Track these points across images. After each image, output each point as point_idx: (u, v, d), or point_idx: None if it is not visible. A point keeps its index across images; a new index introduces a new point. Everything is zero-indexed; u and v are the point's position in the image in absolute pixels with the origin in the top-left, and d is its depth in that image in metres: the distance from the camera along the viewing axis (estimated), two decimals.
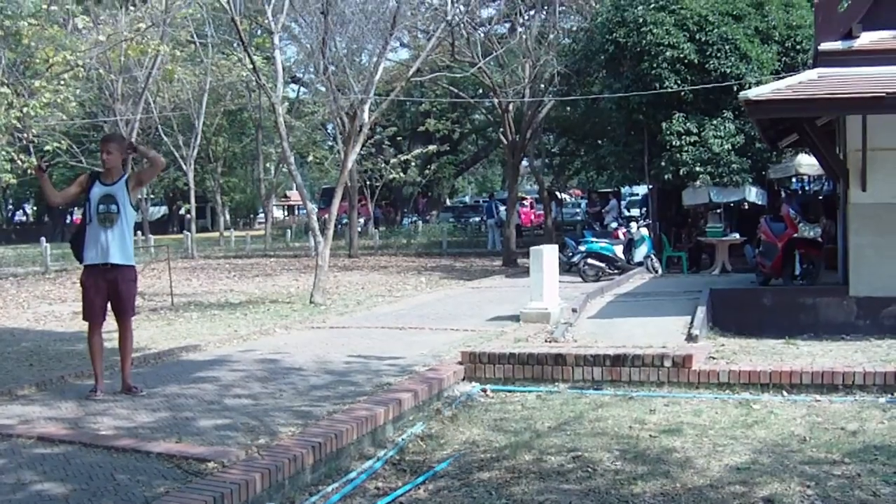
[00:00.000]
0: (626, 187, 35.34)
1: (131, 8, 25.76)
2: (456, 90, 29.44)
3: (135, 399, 7.44)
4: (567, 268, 18.44)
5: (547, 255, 12.07)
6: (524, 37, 24.86)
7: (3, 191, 50.90)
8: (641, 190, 31.91)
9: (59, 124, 27.64)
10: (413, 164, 35.19)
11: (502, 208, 30.75)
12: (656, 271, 19.16)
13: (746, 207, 20.90)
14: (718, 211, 20.13)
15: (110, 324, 7.80)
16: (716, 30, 19.13)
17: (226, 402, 7.31)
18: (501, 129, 25.75)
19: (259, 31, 30.37)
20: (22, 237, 50.17)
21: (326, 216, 17.66)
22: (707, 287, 13.31)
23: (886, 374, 7.80)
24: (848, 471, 5.72)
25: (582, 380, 8.45)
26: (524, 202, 43.19)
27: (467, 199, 65.48)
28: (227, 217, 53.78)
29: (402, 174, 34.48)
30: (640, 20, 19.48)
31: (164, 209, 60.71)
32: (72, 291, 19.19)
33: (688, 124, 19.33)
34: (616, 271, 18.73)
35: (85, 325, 7.81)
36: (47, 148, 24.83)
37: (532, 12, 26.13)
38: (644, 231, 20.53)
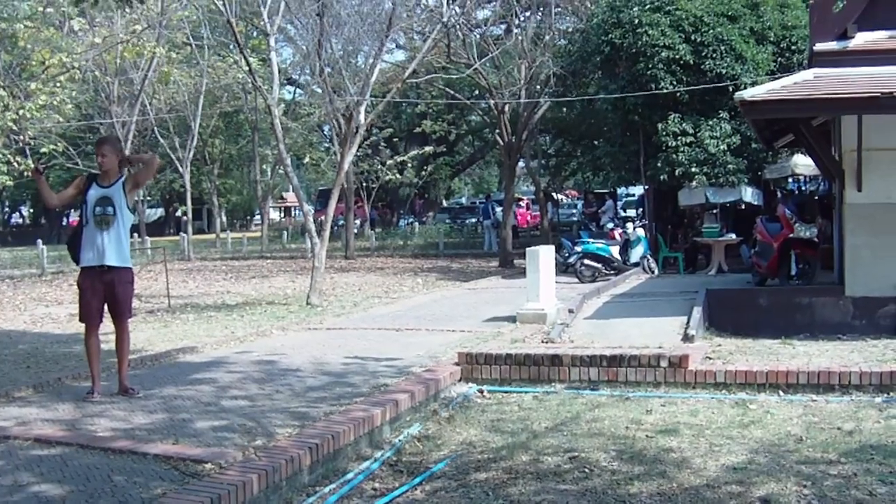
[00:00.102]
0: (622, 188, 35.48)
1: (127, 10, 25.72)
2: (452, 91, 29.48)
3: (132, 401, 7.44)
4: (563, 268, 18.46)
5: (543, 256, 12.08)
6: (520, 38, 24.87)
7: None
8: (638, 191, 31.93)
9: (56, 126, 27.58)
10: (409, 165, 35.15)
11: (499, 209, 30.77)
12: (653, 272, 19.18)
13: (742, 208, 20.93)
14: (714, 211, 20.16)
15: (107, 326, 7.79)
16: (711, 31, 19.16)
17: (223, 404, 7.31)
18: (497, 131, 25.77)
19: (255, 33, 30.32)
20: (18, 239, 50.11)
21: (323, 218, 17.66)
22: (703, 287, 13.33)
23: (882, 374, 7.81)
24: (844, 470, 5.73)
25: (578, 380, 8.45)
26: (521, 203, 43.27)
27: (464, 200, 65.50)
28: (224, 219, 53.76)
29: (398, 175, 34.46)
30: (636, 21, 19.51)
31: (160, 211, 60.68)
32: (68, 293, 19.18)
33: (683, 125, 19.36)
34: (612, 272, 18.75)
35: (81, 327, 7.80)
36: (43, 150, 24.80)
37: (528, 13, 26.17)
38: (640, 232, 20.56)
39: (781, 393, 7.86)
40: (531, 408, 7.78)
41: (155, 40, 27.26)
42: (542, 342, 9.95)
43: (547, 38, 24.77)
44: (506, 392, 8.43)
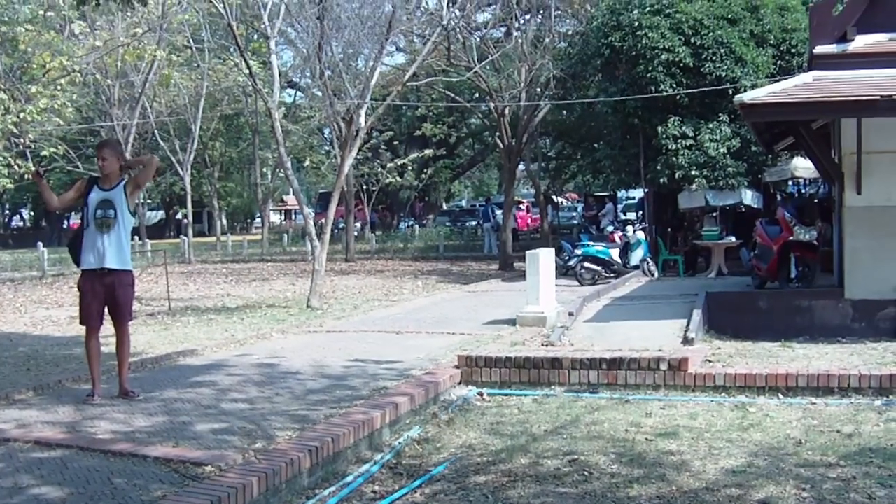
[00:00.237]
0: (622, 191, 35.45)
1: (128, 13, 25.76)
2: (452, 94, 29.51)
3: (132, 403, 7.45)
4: (563, 271, 18.47)
5: (543, 259, 12.09)
6: (520, 41, 24.90)
7: (0, 196, 50.88)
8: (638, 193, 31.92)
9: (56, 129, 27.65)
10: (409, 168, 35.19)
11: (499, 212, 30.78)
12: (652, 275, 19.19)
13: (742, 210, 20.93)
14: (714, 214, 20.17)
15: (108, 328, 7.80)
16: (711, 33, 19.18)
17: (223, 407, 7.32)
18: (498, 133, 25.79)
19: (255, 36, 30.48)
20: (19, 242, 50.12)
21: (323, 220, 17.66)
22: (703, 290, 13.32)
23: (882, 377, 7.82)
24: (843, 473, 5.74)
25: (578, 383, 8.46)
26: (521, 206, 43.28)
27: (464, 202, 65.58)
28: (224, 222, 53.73)
29: (398, 178, 34.50)
30: (636, 24, 19.53)
31: (160, 214, 60.69)
32: (69, 296, 19.19)
33: (683, 128, 19.37)
34: (612, 275, 18.76)
35: (82, 330, 7.81)
36: (44, 153, 24.83)
37: (528, 16, 26.20)
38: (640, 234, 20.57)
39: (781, 396, 7.86)
40: (531, 411, 7.79)
41: (156, 43, 27.33)
42: (542, 345, 9.95)
43: (547, 40, 24.81)
44: (505, 395, 8.44)
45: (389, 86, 26.66)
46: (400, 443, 6.85)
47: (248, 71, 18.12)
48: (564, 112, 30.40)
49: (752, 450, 6.33)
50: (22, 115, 20.59)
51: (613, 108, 20.58)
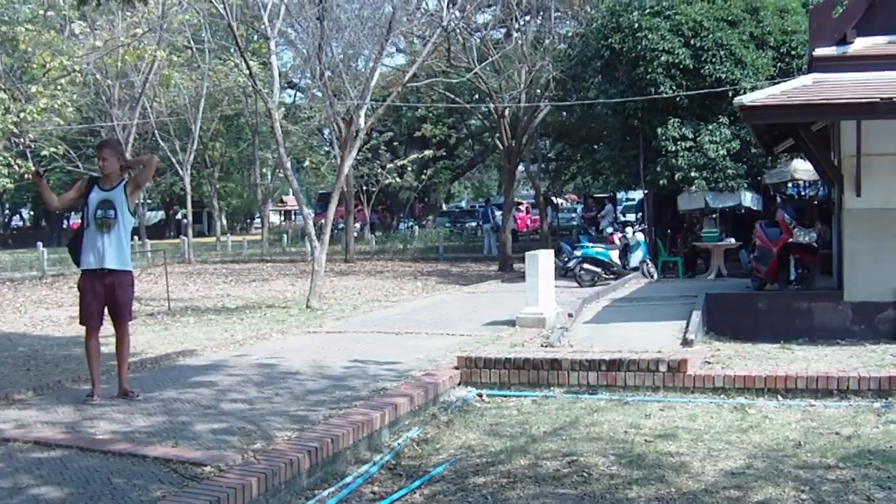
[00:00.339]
0: (621, 192, 35.47)
1: (128, 13, 25.77)
2: (452, 95, 29.52)
3: (131, 403, 7.45)
4: (563, 273, 18.47)
5: (543, 260, 12.09)
6: (520, 42, 24.93)
7: (0, 196, 50.87)
8: (637, 195, 31.95)
9: (56, 129, 27.65)
10: (409, 168, 35.20)
11: (498, 213, 30.79)
12: (652, 276, 19.20)
13: (742, 212, 20.94)
14: (714, 216, 20.18)
15: (107, 328, 7.81)
16: (711, 35, 19.19)
17: (222, 407, 7.33)
18: (497, 135, 25.80)
19: (255, 37, 30.51)
20: (19, 242, 50.10)
21: (323, 221, 17.66)
22: (702, 292, 13.33)
23: (881, 379, 7.83)
24: (842, 475, 5.75)
25: (577, 385, 8.47)
26: (520, 207, 43.29)
27: (463, 203, 65.56)
28: (224, 222, 53.73)
29: (398, 179, 34.50)
30: (636, 26, 19.54)
31: (160, 214, 60.69)
32: (69, 296, 19.19)
33: (683, 129, 19.39)
34: (612, 276, 18.76)
35: (82, 330, 7.82)
36: (44, 153, 24.84)
37: (528, 18, 26.21)
38: (640, 236, 20.58)
39: (780, 398, 7.87)
40: (530, 412, 7.79)
41: (156, 43, 27.33)
42: (542, 346, 9.96)
43: (547, 42, 24.83)
44: (505, 396, 8.44)
45: (389, 86, 26.68)
46: (399, 444, 6.86)
47: (248, 71, 18.12)
48: (564, 113, 30.41)
49: (751, 451, 6.34)
50: (22, 114, 20.60)
51: (613, 110, 20.59)
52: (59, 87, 22.24)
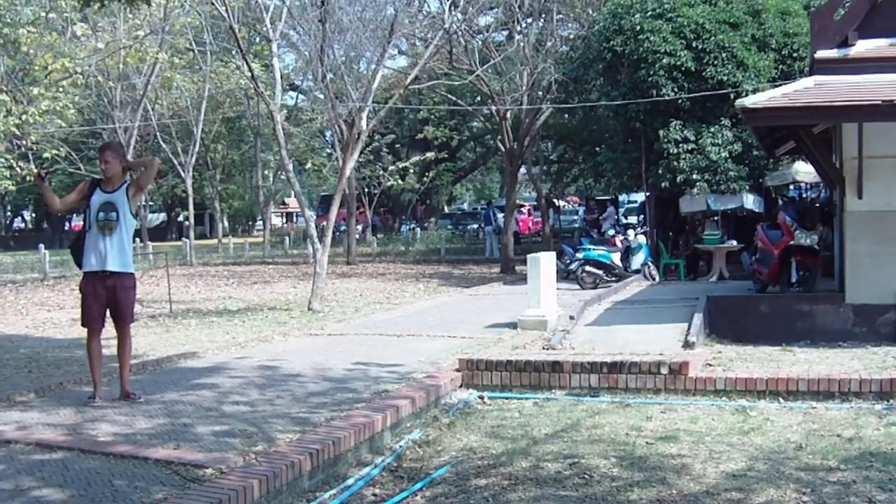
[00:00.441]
0: (623, 195, 35.47)
1: (130, 15, 25.81)
2: (454, 98, 29.53)
3: (133, 405, 7.46)
4: (565, 275, 18.46)
5: (544, 263, 12.08)
6: (522, 44, 24.94)
7: (1, 198, 50.96)
8: (639, 197, 31.95)
9: (58, 131, 27.71)
10: (411, 171, 35.24)
11: (500, 215, 30.80)
12: (653, 278, 19.20)
13: (743, 214, 20.94)
14: (716, 218, 20.17)
15: (109, 331, 7.82)
16: (713, 38, 19.19)
17: (224, 409, 7.33)
18: (499, 137, 25.81)
19: (257, 39, 30.55)
20: (20, 244, 50.15)
21: (325, 223, 17.69)
22: (704, 294, 13.32)
23: (882, 382, 7.82)
24: (843, 477, 5.75)
25: (579, 387, 8.47)
26: (522, 209, 43.31)
27: (465, 206, 65.62)
28: (226, 224, 53.80)
29: (400, 181, 34.53)
30: (638, 28, 19.54)
31: (162, 216, 60.77)
32: (70, 298, 19.20)
33: (685, 132, 19.38)
34: (613, 279, 18.75)
35: (83, 332, 7.83)
36: (46, 155, 24.87)
37: (530, 20, 26.22)
38: (641, 238, 20.58)
39: (781, 400, 7.87)
40: (532, 414, 7.79)
41: (158, 46, 27.36)
42: (543, 349, 9.95)
43: (549, 44, 24.84)
44: (506, 398, 8.44)
45: (391, 89, 26.71)
46: (401, 446, 6.86)
47: (250, 74, 18.15)
48: (566, 116, 30.43)
49: (753, 454, 6.34)
50: (24, 116, 20.64)
51: (615, 112, 20.59)
52: (60, 90, 22.28)
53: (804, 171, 18.54)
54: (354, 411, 7.09)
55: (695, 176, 19.22)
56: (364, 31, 19.30)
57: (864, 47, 11.82)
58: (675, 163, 19.32)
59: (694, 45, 19.26)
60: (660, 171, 19.77)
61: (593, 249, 19.67)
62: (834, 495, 5.41)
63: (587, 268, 18.82)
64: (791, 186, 23.67)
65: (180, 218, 52.91)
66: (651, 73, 19.26)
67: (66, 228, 53.86)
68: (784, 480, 5.70)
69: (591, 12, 25.18)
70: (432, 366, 9.20)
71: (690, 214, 20.93)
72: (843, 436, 6.73)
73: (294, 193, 19.13)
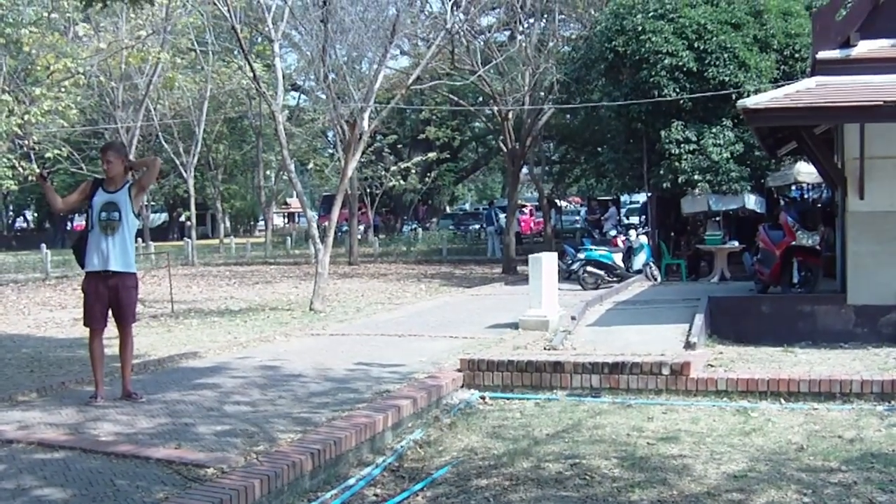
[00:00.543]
0: (625, 195, 35.47)
1: (132, 15, 25.83)
2: (456, 98, 29.54)
3: (135, 405, 7.46)
4: (566, 275, 18.46)
5: (546, 263, 12.09)
6: (524, 45, 24.94)
7: (3, 197, 50.99)
8: (641, 198, 31.96)
9: (60, 131, 27.71)
10: (413, 171, 35.24)
11: (502, 216, 30.80)
12: (655, 279, 19.19)
13: (745, 215, 20.94)
14: (717, 219, 20.17)
15: (111, 330, 7.82)
16: (714, 38, 19.18)
17: (225, 409, 7.34)
18: (501, 137, 25.81)
19: (259, 39, 30.52)
20: (22, 244, 50.20)
21: (326, 223, 17.69)
22: (705, 295, 13.31)
23: (884, 383, 7.82)
24: (844, 479, 5.75)
25: (580, 387, 8.47)
26: (524, 210, 43.32)
27: (467, 206, 65.62)
28: (228, 224, 53.82)
29: (402, 182, 34.53)
30: (639, 28, 19.54)
31: (164, 216, 60.80)
32: (72, 298, 19.22)
33: (687, 132, 19.38)
34: (615, 279, 18.75)
35: (85, 332, 7.84)
36: (48, 155, 24.88)
37: (532, 20, 26.22)
38: (643, 239, 20.58)
39: (783, 401, 7.87)
40: (533, 414, 7.80)
41: (159, 46, 27.37)
42: (545, 349, 9.94)
43: (551, 44, 24.85)
44: (508, 399, 8.45)
45: (393, 89, 26.70)
46: (402, 446, 6.86)
47: (252, 74, 18.15)
48: (568, 116, 30.43)
49: (754, 454, 6.34)
50: (26, 116, 20.66)
51: (617, 113, 20.59)
52: (62, 90, 22.30)
53: (806, 171, 18.53)
54: (356, 411, 7.10)
55: (696, 176, 19.22)
56: (366, 32, 19.29)
57: (865, 48, 11.81)
58: (677, 163, 19.32)
59: (696, 45, 19.25)
60: (661, 172, 19.78)
61: (595, 250, 19.68)
62: (835, 496, 5.42)
63: (589, 268, 18.83)
64: (793, 187, 23.67)
65: (182, 218, 52.91)
66: (653, 73, 19.26)
67: (68, 228, 53.86)
68: (785, 481, 5.71)
69: (592, 13, 25.18)
70: (434, 366, 9.21)
71: (692, 215, 20.93)
72: (844, 437, 6.73)
73: (296, 194, 19.13)
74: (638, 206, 37.04)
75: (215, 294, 20.66)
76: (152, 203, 51.58)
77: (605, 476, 5.94)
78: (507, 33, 29.82)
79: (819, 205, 20.12)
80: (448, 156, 39.99)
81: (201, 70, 33.53)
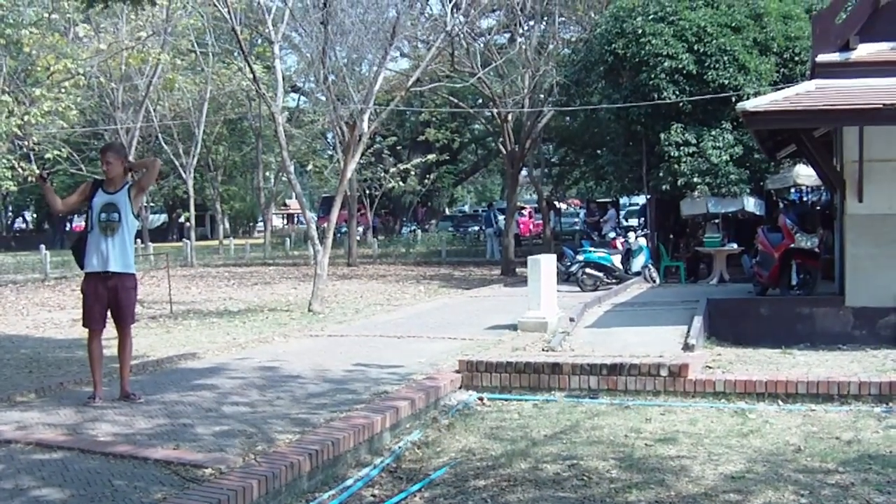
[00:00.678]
0: (624, 197, 35.49)
1: (132, 17, 25.86)
2: (455, 100, 29.53)
3: (133, 406, 7.47)
4: (565, 277, 18.48)
5: (545, 265, 12.10)
6: (524, 47, 24.94)
7: (3, 198, 50.99)
8: (640, 200, 31.97)
9: (60, 132, 27.71)
10: (412, 173, 35.22)
11: (501, 217, 30.82)
12: (654, 281, 19.20)
13: (744, 217, 20.95)
14: (716, 221, 20.18)
15: (110, 331, 7.83)
16: (714, 41, 19.20)
17: (224, 410, 7.34)
18: (501, 139, 25.82)
19: (259, 41, 30.56)
20: (21, 244, 50.15)
21: (325, 225, 17.70)
22: (704, 297, 13.33)
23: (882, 384, 7.84)
24: (842, 480, 5.75)
25: (578, 389, 8.48)
26: (523, 212, 43.33)
27: (466, 208, 65.67)
28: (227, 225, 53.79)
29: (401, 183, 34.53)
30: (639, 31, 19.55)
31: (163, 217, 60.77)
32: (71, 299, 19.22)
33: (686, 135, 19.39)
34: (614, 281, 18.76)
35: (84, 332, 7.85)
36: (48, 155, 24.91)
37: (532, 23, 26.22)
38: (642, 241, 20.59)
39: (781, 402, 7.87)
40: (531, 416, 7.80)
41: (160, 47, 27.39)
42: (543, 350, 9.95)
43: (550, 47, 24.84)
44: (506, 400, 8.45)
45: (393, 91, 26.71)
46: (400, 447, 6.87)
47: (251, 75, 18.17)
48: (567, 118, 30.45)
49: (752, 456, 6.35)
50: (26, 117, 20.68)
51: (616, 115, 20.61)
52: (62, 90, 22.33)
53: (805, 174, 18.54)
54: (354, 412, 7.11)
55: (695, 179, 19.23)
56: (366, 34, 19.29)
57: (865, 51, 11.84)
58: (676, 166, 19.33)
59: (695, 48, 19.26)
60: (661, 174, 19.79)
61: (594, 252, 19.69)
62: (832, 497, 5.42)
63: (587, 270, 18.83)
64: (792, 189, 23.68)
65: (181, 219, 52.92)
66: (652, 76, 19.28)
67: (68, 229, 53.84)
68: (782, 482, 5.71)
69: (592, 15, 25.19)
70: (432, 367, 9.21)
71: (691, 217, 20.94)
72: (841, 438, 6.74)
73: (295, 195, 19.15)
74: (637, 208, 37.04)
75: (214, 295, 20.65)
76: (151, 204, 51.59)
77: (602, 477, 5.95)
78: (507, 36, 29.84)
79: (818, 207, 20.14)
80: (447, 158, 39.99)
81: (201, 71, 33.54)
